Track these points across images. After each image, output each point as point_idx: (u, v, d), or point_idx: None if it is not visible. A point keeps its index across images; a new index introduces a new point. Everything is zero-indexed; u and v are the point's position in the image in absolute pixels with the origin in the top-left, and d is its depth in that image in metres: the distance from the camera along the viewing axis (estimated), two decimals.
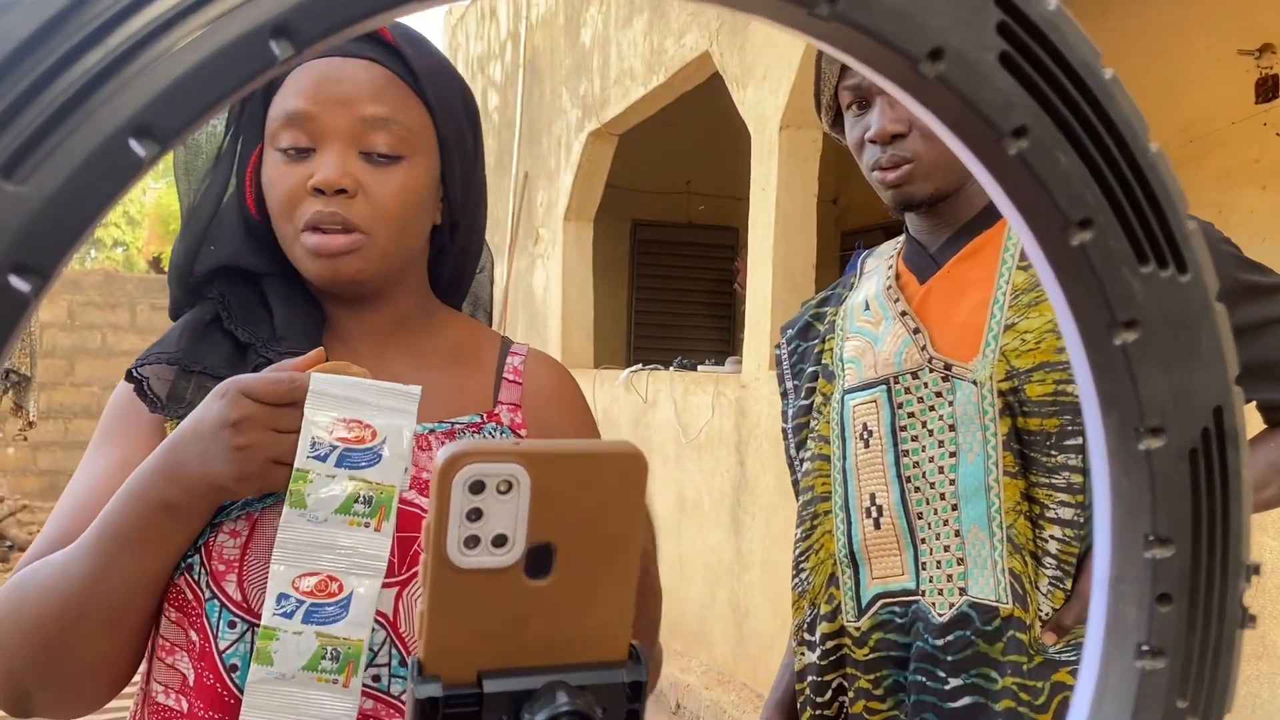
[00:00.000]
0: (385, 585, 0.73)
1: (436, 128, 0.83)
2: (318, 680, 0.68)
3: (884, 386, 1.10)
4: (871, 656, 1.09)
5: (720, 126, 5.53)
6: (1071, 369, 0.94)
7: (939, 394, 1.06)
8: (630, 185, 7.08)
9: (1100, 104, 0.26)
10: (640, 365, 5.08)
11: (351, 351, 0.85)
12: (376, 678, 0.75)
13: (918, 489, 1.06)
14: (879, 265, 1.21)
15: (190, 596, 0.75)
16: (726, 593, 4.02)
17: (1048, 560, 1.00)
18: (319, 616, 0.69)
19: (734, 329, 7.34)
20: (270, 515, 0.75)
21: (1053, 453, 1.00)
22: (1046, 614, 1.00)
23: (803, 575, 1.18)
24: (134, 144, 0.18)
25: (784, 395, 1.28)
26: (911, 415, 1.07)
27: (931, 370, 1.06)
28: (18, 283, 0.18)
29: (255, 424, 0.68)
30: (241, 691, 0.72)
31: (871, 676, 1.09)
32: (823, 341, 1.21)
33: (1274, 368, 0.98)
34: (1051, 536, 1.00)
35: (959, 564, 1.03)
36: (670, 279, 7.80)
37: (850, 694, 1.11)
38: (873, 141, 1.08)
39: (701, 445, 4.18)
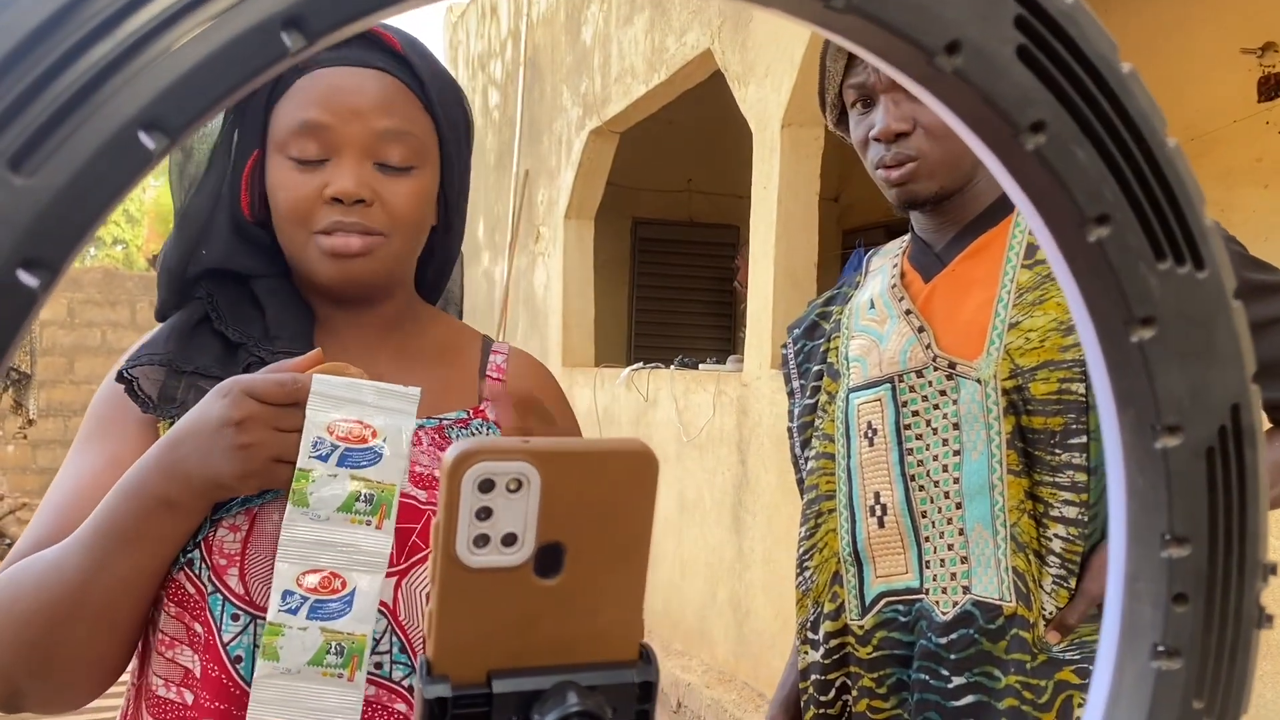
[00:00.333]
0: (386, 574, 0.75)
1: (440, 137, 0.86)
2: (323, 675, 0.70)
3: (889, 385, 1.10)
4: (875, 655, 1.09)
5: (721, 124, 5.53)
6: (1075, 367, 0.95)
7: (943, 392, 1.05)
8: (631, 183, 7.08)
9: (1118, 98, 0.26)
10: (641, 364, 5.07)
11: (343, 350, 0.86)
12: (379, 664, 0.77)
13: (922, 487, 1.06)
14: (884, 264, 1.21)
15: (192, 590, 0.76)
16: (728, 592, 4.02)
17: (1051, 559, 1.00)
18: (323, 612, 0.70)
19: (735, 327, 7.33)
20: (269, 510, 0.77)
21: (1057, 451, 1.00)
22: (1050, 613, 1.00)
23: (807, 574, 1.18)
24: (143, 136, 0.18)
25: (791, 395, 1.28)
26: (916, 414, 1.07)
27: (936, 369, 1.06)
28: (26, 278, 0.18)
29: (258, 423, 0.69)
30: (246, 682, 0.74)
31: (875, 675, 1.09)
32: (828, 340, 1.21)
33: (1278, 366, 0.98)
34: (1055, 535, 1.00)
35: (963, 562, 1.03)
36: (671, 277, 7.80)
37: (854, 692, 1.11)
38: (877, 140, 1.08)
39: (703, 444, 4.18)
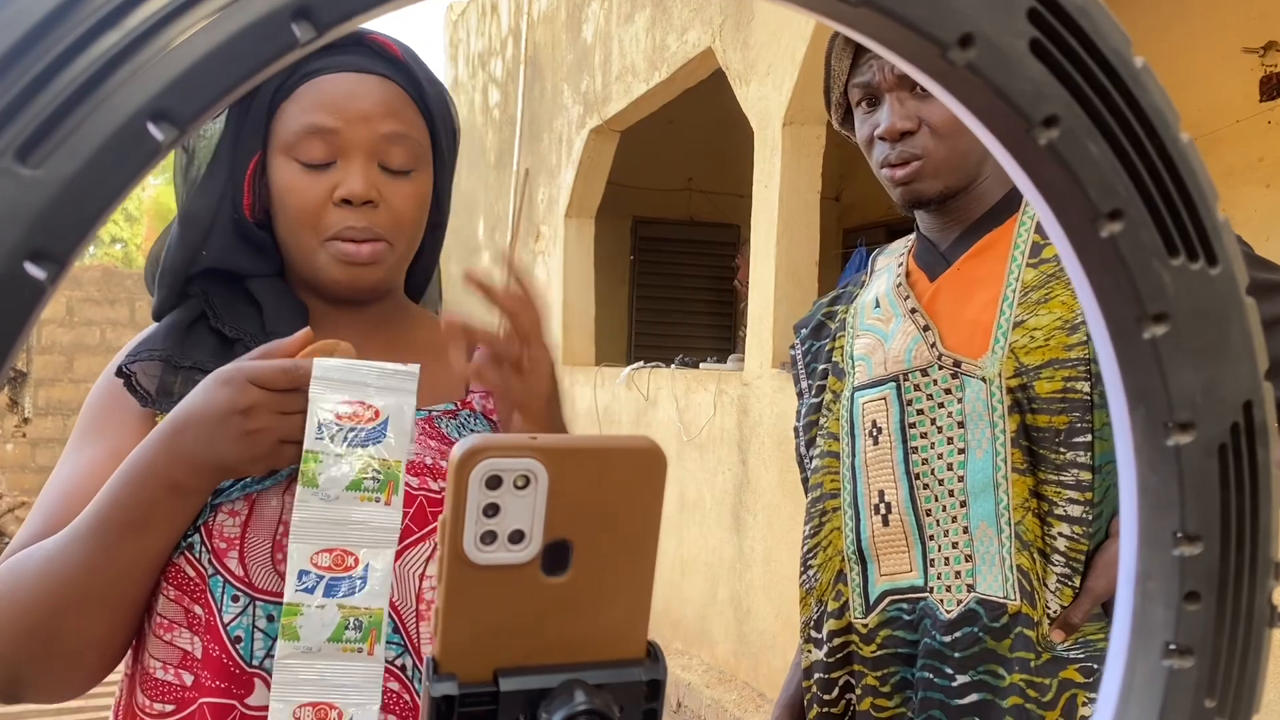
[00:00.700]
0: None
1: (434, 141, 0.90)
2: (343, 650, 0.71)
3: (893, 384, 1.10)
4: (879, 653, 1.08)
5: (722, 123, 5.52)
6: (1079, 366, 0.94)
7: (948, 391, 1.06)
8: (632, 182, 7.07)
9: (1131, 93, 0.25)
10: (641, 363, 5.07)
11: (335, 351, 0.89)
12: None
13: (926, 486, 1.06)
14: (890, 263, 1.21)
15: (192, 574, 0.78)
16: (728, 591, 4.02)
17: (1056, 557, 1.00)
18: (339, 590, 0.72)
19: (735, 326, 7.33)
20: (268, 495, 0.79)
21: (1061, 450, 1.00)
22: (1055, 611, 1.00)
23: (810, 572, 1.18)
24: (152, 128, 0.18)
25: (799, 395, 1.28)
26: (921, 412, 1.07)
27: (941, 367, 1.06)
28: (34, 270, 0.17)
29: (264, 410, 0.71)
30: (246, 662, 0.76)
31: (879, 673, 1.09)
32: (833, 339, 1.21)
33: None
34: (1060, 534, 1.00)
35: (967, 561, 1.03)
36: (672, 276, 7.79)
37: (858, 691, 1.11)
38: (882, 138, 1.08)
39: (703, 443, 4.18)
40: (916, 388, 1.08)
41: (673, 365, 4.94)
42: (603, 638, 0.30)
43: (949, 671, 1.02)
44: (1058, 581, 1.00)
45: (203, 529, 0.78)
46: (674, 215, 7.76)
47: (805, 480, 1.23)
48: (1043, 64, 0.24)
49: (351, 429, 0.73)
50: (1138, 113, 0.26)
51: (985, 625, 1.00)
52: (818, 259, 3.70)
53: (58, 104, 0.17)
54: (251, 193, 0.87)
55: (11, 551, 0.76)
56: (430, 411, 0.89)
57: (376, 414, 0.74)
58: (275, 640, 0.75)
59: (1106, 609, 1.01)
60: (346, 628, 0.71)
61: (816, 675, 1.15)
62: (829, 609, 1.14)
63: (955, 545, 1.04)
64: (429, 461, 0.84)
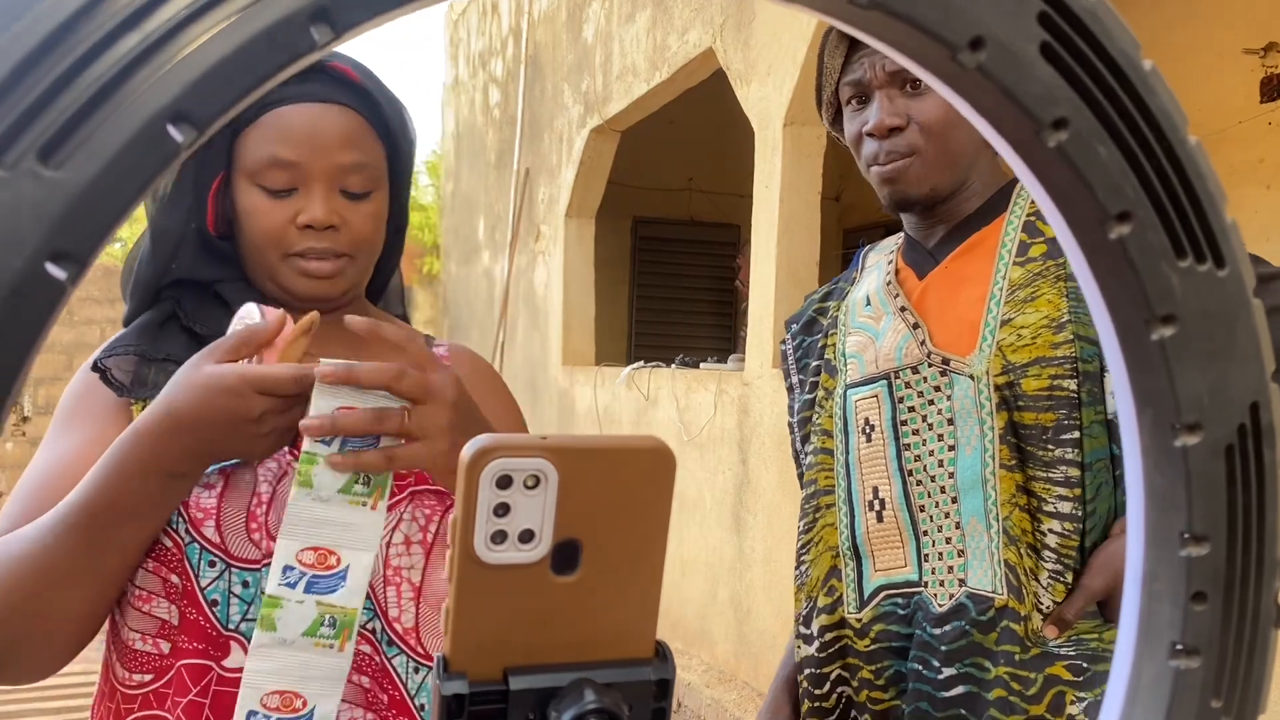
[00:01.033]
0: None
1: (390, 161, 0.95)
2: (316, 645, 0.75)
3: (885, 381, 1.11)
4: (873, 648, 1.09)
5: (722, 123, 5.53)
6: (1065, 364, 0.93)
7: (937, 388, 1.06)
8: (632, 182, 7.08)
9: (1140, 96, 0.26)
10: (642, 363, 5.07)
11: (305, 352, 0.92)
12: None
13: (919, 482, 1.07)
14: (880, 260, 1.22)
15: (170, 544, 0.82)
16: (728, 591, 4.02)
17: (1047, 554, 1.01)
18: (319, 587, 0.75)
19: (736, 326, 7.33)
20: (241, 470, 0.83)
21: (1050, 447, 1.01)
22: (1047, 607, 1.01)
23: (803, 568, 1.19)
24: (172, 130, 0.18)
25: (790, 390, 1.28)
26: (912, 409, 1.08)
27: (930, 365, 1.07)
28: (55, 271, 0.18)
29: (274, 415, 0.74)
30: (223, 625, 0.81)
31: (873, 667, 1.09)
32: (826, 336, 1.22)
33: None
34: (1050, 530, 1.01)
35: (959, 555, 1.04)
36: (672, 276, 7.79)
37: (854, 684, 1.12)
38: (870, 135, 1.08)
39: (703, 443, 4.18)
40: (907, 385, 1.09)
41: (673, 365, 4.94)
42: (611, 637, 0.31)
43: (936, 664, 1.03)
44: (1050, 577, 1.01)
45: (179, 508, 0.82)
46: (674, 215, 7.76)
47: (801, 475, 1.24)
48: (1053, 67, 0.24)
49: (347, 436, 0.76)
50: (1146, 116, 0.26)
51: (972, 619, 1.01)
52: (818, 259, 3.70)
53: (79, 106, 0.18)
54: (215, 210, 0.91)
55: None
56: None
57: None
58: (250, 604, 0.80)
59: (1102, 609, 1.02)
60: (322, 624, 0.75)
61: (807, 670, 1.16)
62: (819, 605, 1.15)
63: (949, 540, 1.05)
64: None
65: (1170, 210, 0.26)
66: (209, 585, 0.81)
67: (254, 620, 0.79)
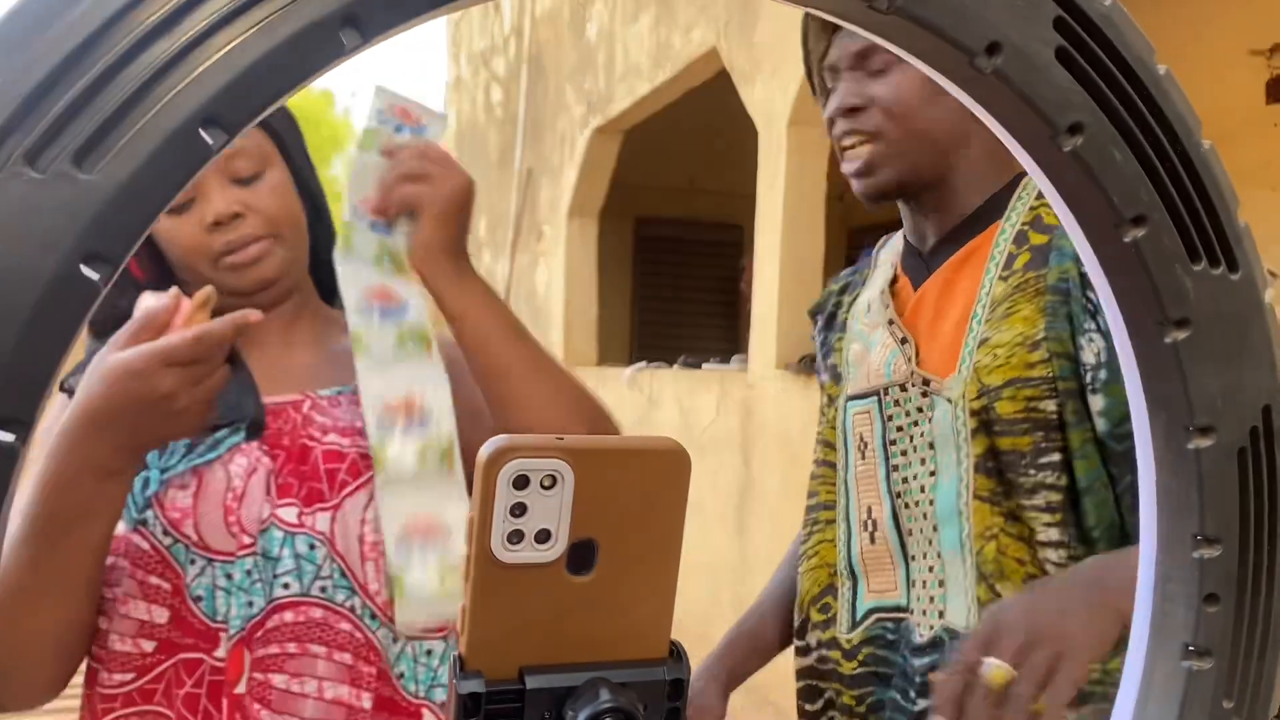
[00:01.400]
0: (320, 509, 0.86)
1: (273, 138, 0.96)
2: (428, 469, 0.86)
3: (875, 397, 1.07)
4: (859, 671, 1.05)
5: (725, 123, 5.53)
6: (1042, 385, 0.88)
7: (920, 409, 1.02)
8: (635, 182, 7.08)
9: (1155, 101, 0.26)
10: (644, 363, 5.07)
11: (260, 347, 0.93)
12: (323, 589, 0.85)
13: (906, 505, 1.03)
14: (887, 261, 1.18)
15: (146, 546, 0.83)
16: (730, 595, 4.02)
17: None
18: (416, 432, 0.86)
19: (739, 327, 7.33)
20: (213, 468, 0.85)
21: (1030, 471, 0.95)
22: None
23: (801, 581, 1.16)
24: (203, 133, 0.18)
25: (821, 386, 1.24)
26: (900, 429, 1.04)
27: (914, 384, 1.03)
28: (88, 272, 0.18)
29: (185, 387, 0.73)
30: (210, 618, 0.83)
31: (856, 692, 1.06)
32: (838, 338, 1.18)
33: None
34: (1047, 560, 0.94)
35: (940, 586, 1.00)
36: (674, 276, 7.79)
37: (837, 707, 1.08)
38: (832, 119, 1.03)
39: (706, 445, 4.18)
40: (896, 403, 1.05)
41: (675, 366, 4.94)
42: (627, 637, 0.31)
43: (913, 695, 0.99)
44: None
45: (155, 503, 0.84)
46: (677, 215, 7.76)
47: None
48: (1068, 71, 0.25)
49: (382, 306, 0.88)
50: (1161, 120, 0.26)
51: (947, 653, 0.97)
52: (823, 260, 3.71)
53: (112, 110, 0.18)
54: (136, 258, 0.93)
55: None
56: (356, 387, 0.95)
57: (399, 296, 0.91)
58: (232, 595, 0.83)
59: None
60: (427, 453, 0.86)
61: (803, 682, 1.13)
62: (813, 620, 1.12)
63: (931, 569, 1.01)
64: (358, 424, 0.91)
65: (1184, 214, 0.26)
66: (193, 581, 0.83)
67: (239, 612, 0.82)
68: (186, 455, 0.85)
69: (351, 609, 0.86)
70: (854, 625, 1.06)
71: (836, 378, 1.15)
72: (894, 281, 1.12)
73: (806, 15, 1.09)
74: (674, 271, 7.79)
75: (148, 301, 0.81)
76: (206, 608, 0.83)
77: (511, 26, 7.55)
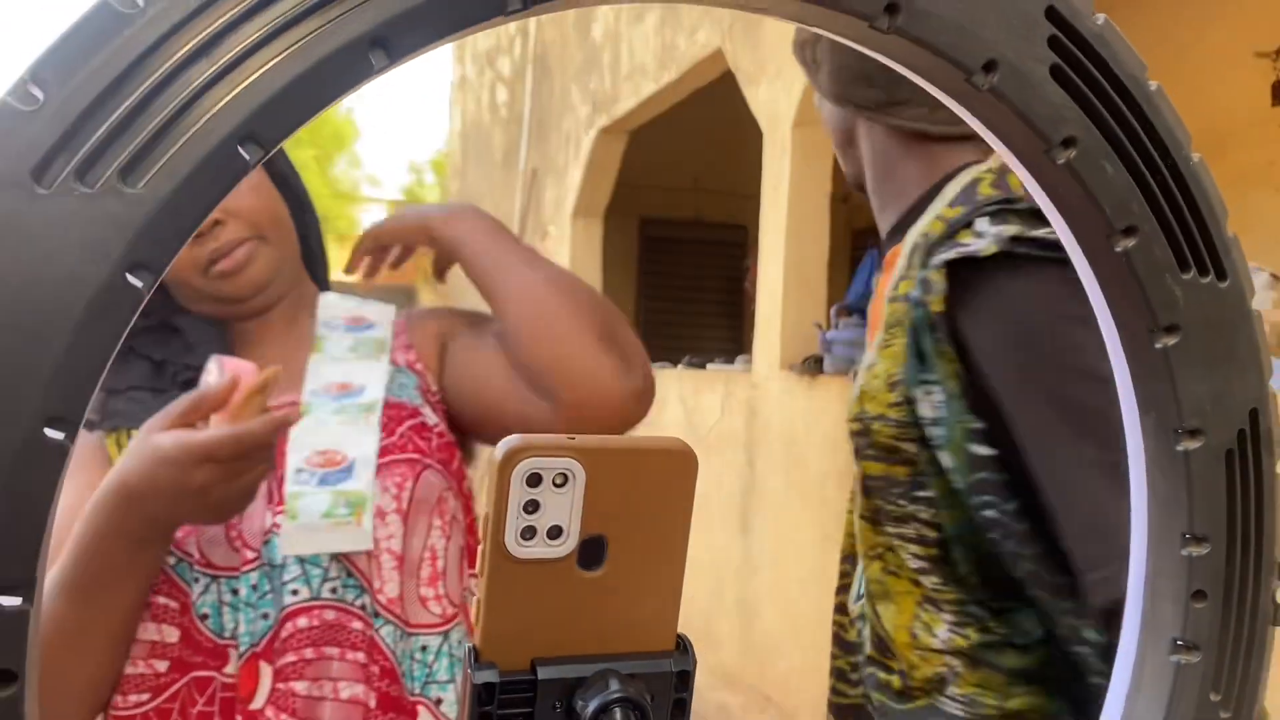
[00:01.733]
0: None
1: None
2: (336, 524, 0.83)
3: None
4: (856, 640, 1.08)
5: (730, 124, 5.53)
6: (899, 427, 0.86)
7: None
8: (640, 182, 7.09)
9: (1146, 115, 0.27)
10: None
11: (261, 347, 0.92)
12: (333, 589, 0.85)
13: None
14: None
15: None
16: (734, 594, 4.03)
17: (932, 606, 0.92)
18: (333, 479, 0.85)
19: (743, 328, 7.34)
20: None
21: (901, 502, 0.92)
22: (943, 660, 0.91)
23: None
24: (241, 149, 0.19)
25: None
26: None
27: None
28: (134, 280, 0.19)
29: (219, 483, 0.73)
30: (218, 635, 0.83)
31: (851, 659, 1.09)
32: None
33: None
34: (926, 587, 0.93)
35: (866, 594, 1.01)
36: (679, 277, 7.81)
37: (835, 667, 1.11)
38: None
39: (710, 445, 4.19)
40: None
41: (680, 366, 4.95)
42: (635, 630, 0.32)
43: (854, 679, 1.03)
44: (949, 630, 0.90)
45: None
46: (682, 216, 7.77)
47: None
48: (1062, 88, 0.26)
49: (338, 394, 0.87)
50: (1152, 135, 0.27)
51: (868, 654, 0.99)
52: (827, 261, 3.71)
53: (156, 128, 0.19)
54: None
55: None
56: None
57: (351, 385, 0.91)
58: (240, 610, 0.83)
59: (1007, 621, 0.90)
60: (338, 506, 0.83)
61: (832, 631, 1.13)
62: (839, 583, 1.13)
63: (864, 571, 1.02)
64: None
65: (1174, 225, 0.27)
66: (198, 599, 0.83)
67: (248, 627, 0.83)
68: None
69: (362, 607, 0.86)
70: (858, 598, 1.09)
71: None
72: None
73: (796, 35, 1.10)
74: (678, 272, 7.80)
75: (209, 368, 0.80)
76: (213, 625, 0.83)
77: (517, 26, 7.56)
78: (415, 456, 0.89)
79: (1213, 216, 0.28)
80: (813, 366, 3.44)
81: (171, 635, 0.83)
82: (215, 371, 0.79)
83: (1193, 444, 0.28)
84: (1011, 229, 0.80)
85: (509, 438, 0.30)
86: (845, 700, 1.08)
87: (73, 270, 0.18)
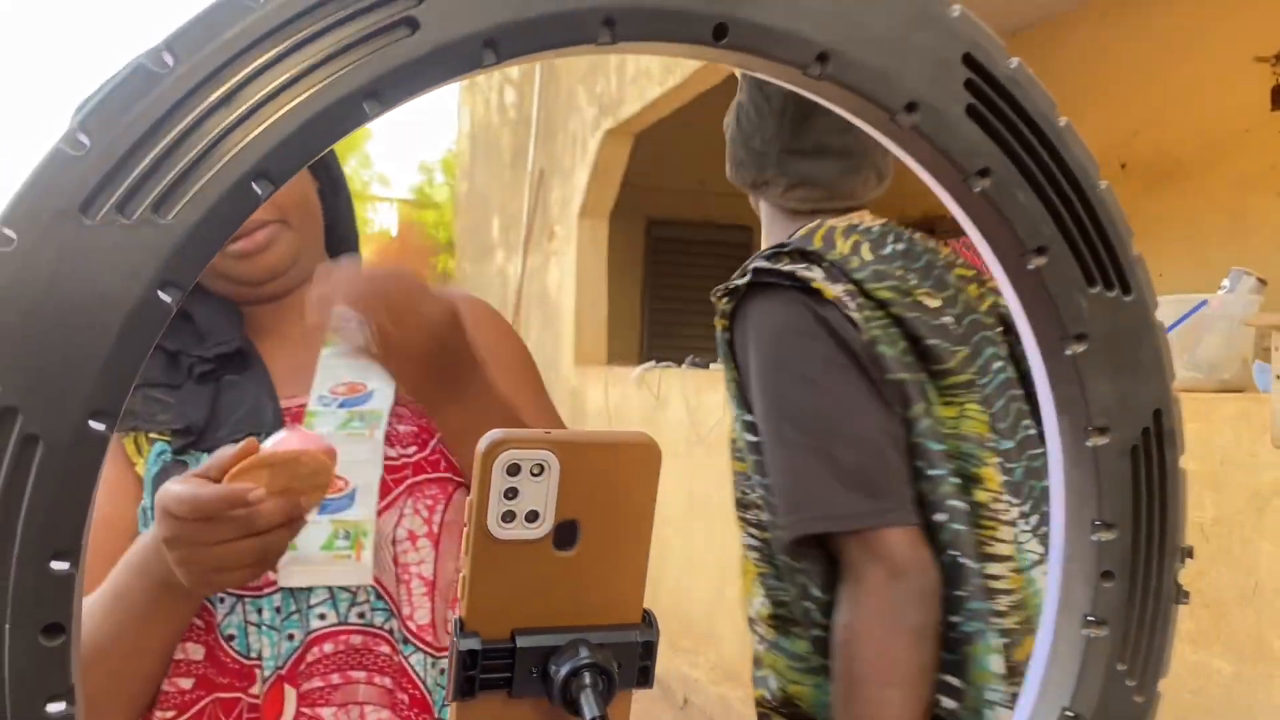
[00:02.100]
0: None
1: None
2: (334, 557, 0.79)
3: None
4: None
5: None
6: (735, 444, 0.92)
7: None
8: (645, 183, 7.12)
9: (1056, 148, 0.30)
10: (653, 362, 5.12)
11: (277, 339, 0.90)
12: (360, 614, 0.82)
13: None
14: None
15: None
16: (736, 590, 4.06)
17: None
18: (332, 508, 0.80)
19: None
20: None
21: (744, 490, 1.06)
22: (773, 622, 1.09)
23: None
24: (254, 185, 0.23)
25: None
26: None
27: None
28: (164, 296, 0.23)
29: (183, 541, 0.68)
30: (244, 655, 0.80)
31: None
32: None
33: None
34: (759, 577, 1.08)
35: None
36: (684, 277, 7.83)
37: None
38: None
39: (712, 443, 4.22)
40: None
41: (683, 365, 4.98)
42: (604, 604, 0.35)
43: None
44: (759, 601, 1.08)
45: None
46: (688, 217, 7.80)
47: None
48: (978, 125, 0.29)
49: (345, 399, 0.83)
50: (1061, 165, 0.30)
51: None
52: None
53: (184, 169, 0.23)
54: None
55: None
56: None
57: (364, 387, 0.86)
58: (264, 632, 0.79)
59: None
60: (337, 538, 0.79)
61: None
62: None
63: None
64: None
65: (1082, 245, 0.31)
66: (223, 620, 0.80)
67: (273, 649, 0.80)
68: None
69: (390, 632, 0.83)
70: None
71: None
72: None
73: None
74: (684, 272, 7.82)
75: (268, 441, 0.73)
76: (239, 645, 0.80)
77: None
78: (447, 475, 0.85)
79: (1118, 237, 0.31)
80: None
81: (196, 653, 0.80)
82: (278, 437, 0.72)
83: (1101, 440, 0.32)
84: (761, 264, 1.01)
85: (491, 431, 0.34)
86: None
87: (113, 288, 0.22)
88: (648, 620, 0.36)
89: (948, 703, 0.91)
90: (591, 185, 5.96)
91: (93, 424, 0.22)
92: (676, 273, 7.84)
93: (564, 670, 0.33)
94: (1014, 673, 0.91)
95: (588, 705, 0.32)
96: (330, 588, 0.80)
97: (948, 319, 1.00)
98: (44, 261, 0.22)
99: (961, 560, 0.91)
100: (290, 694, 0.79)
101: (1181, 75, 4.08)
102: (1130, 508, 0.32)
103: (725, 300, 1.05)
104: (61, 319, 0.22)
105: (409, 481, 0.84)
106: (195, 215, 0.23)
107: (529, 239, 7.09)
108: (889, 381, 0.95)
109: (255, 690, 0.79)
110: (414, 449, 0.85)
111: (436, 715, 0.83)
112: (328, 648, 0.80)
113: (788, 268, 0.99)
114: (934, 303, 1.00)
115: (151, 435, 0.83)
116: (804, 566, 0.97)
